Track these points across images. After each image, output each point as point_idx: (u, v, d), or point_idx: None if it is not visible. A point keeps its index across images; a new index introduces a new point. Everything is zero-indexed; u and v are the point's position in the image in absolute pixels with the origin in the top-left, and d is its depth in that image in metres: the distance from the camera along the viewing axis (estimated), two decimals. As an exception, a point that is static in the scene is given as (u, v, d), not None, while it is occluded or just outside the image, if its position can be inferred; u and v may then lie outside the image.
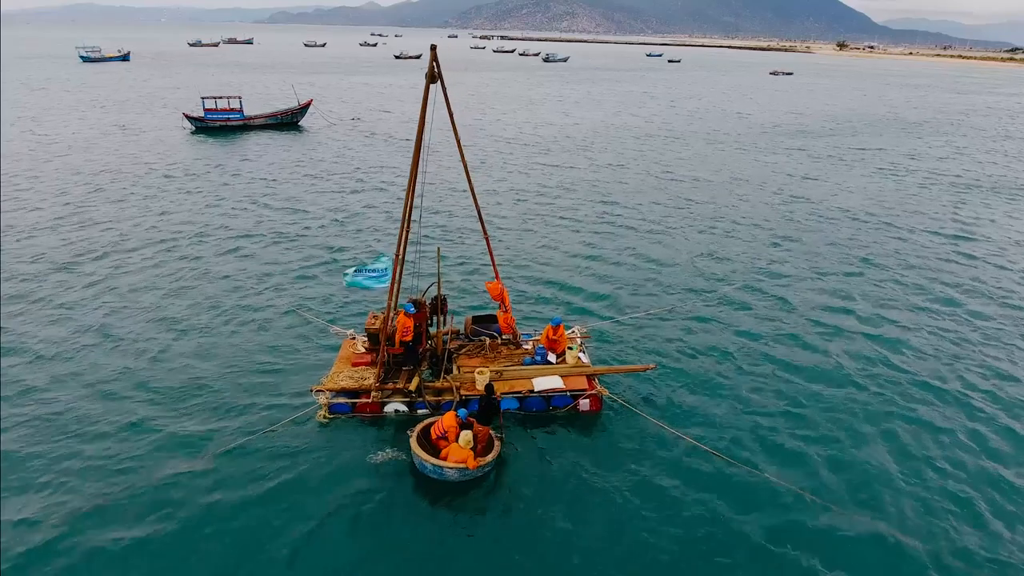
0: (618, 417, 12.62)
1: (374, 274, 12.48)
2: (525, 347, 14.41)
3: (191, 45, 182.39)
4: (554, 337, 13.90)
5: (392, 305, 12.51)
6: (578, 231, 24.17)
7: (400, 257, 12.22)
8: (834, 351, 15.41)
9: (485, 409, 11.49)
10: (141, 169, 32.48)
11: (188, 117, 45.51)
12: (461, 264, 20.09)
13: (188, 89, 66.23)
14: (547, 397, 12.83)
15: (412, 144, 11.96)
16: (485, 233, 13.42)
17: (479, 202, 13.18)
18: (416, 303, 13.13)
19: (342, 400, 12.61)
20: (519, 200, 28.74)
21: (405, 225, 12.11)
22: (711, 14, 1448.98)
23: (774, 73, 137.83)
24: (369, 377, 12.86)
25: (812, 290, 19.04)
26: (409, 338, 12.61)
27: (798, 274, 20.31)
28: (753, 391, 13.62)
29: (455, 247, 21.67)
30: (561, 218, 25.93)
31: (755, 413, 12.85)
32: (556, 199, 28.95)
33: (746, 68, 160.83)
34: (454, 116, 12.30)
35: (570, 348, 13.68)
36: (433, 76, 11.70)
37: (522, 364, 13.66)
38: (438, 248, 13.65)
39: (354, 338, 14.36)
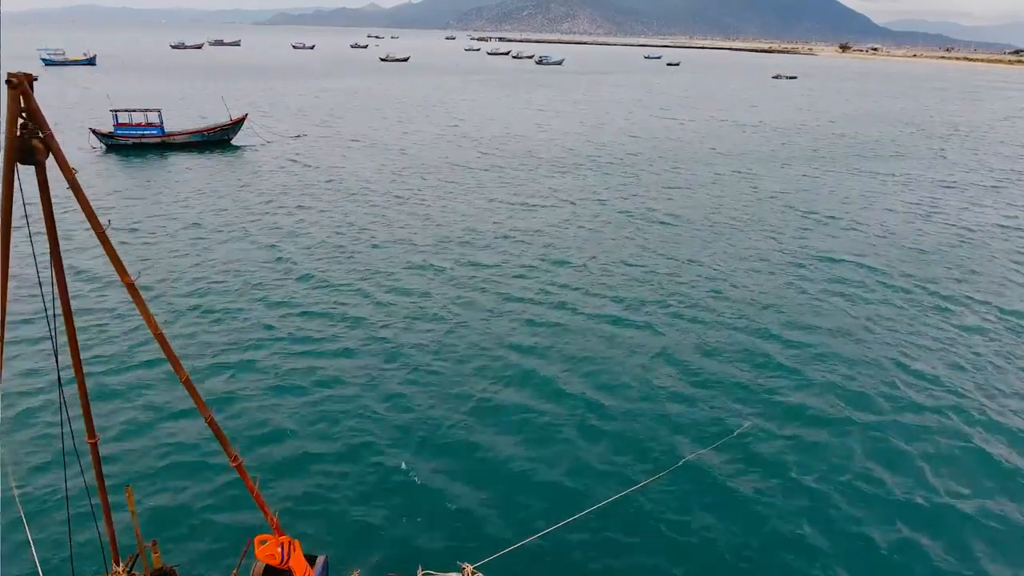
0: None
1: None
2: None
3: (173, 47, 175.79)
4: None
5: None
6: (489, 339, 15.38)
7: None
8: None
9: None
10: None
11: (96, 133, 38.84)
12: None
13: (132, 98, 59.42)
14: None
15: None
16: (232, 457, 6.63)
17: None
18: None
19: None
20: (415, 279, 19.09)
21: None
22: (711, 16, 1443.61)
23: (777, 77, 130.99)
24: None
25: (849, 447, 12.19)
26: None
27: (828, 409, 13.49)
28: None
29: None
30: (470, 308, 17.11)
31: None
32: (473, 268, 19.94)
33: (747, 71, 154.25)
34: (93, 212, 5.56)
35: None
36: (25, 147, 4.99)
37: None
38: (128, 489, 6.93)
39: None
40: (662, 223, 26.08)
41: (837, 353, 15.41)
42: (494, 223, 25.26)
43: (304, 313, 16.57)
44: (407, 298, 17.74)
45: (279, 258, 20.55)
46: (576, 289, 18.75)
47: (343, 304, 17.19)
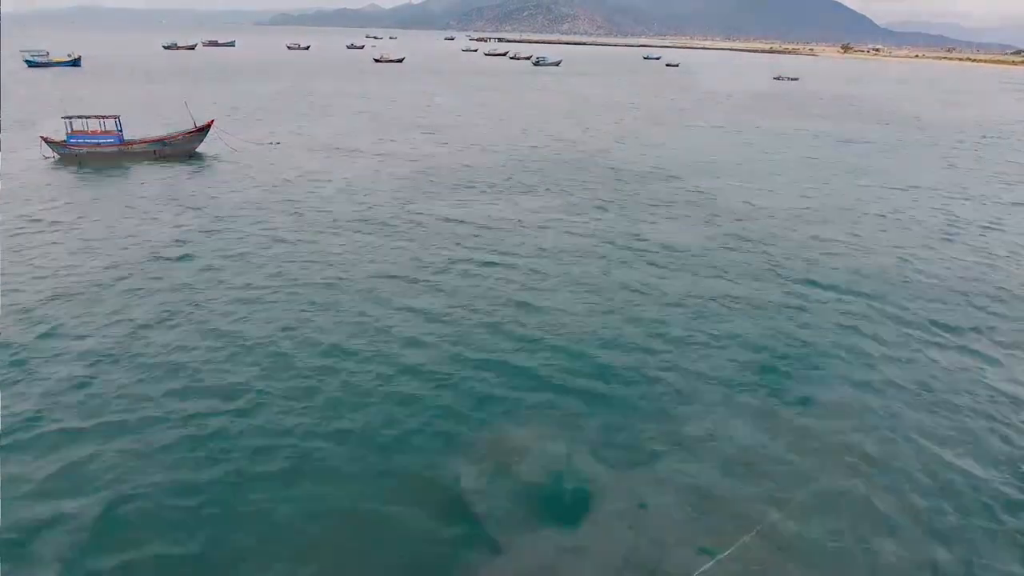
0: None
1: None
2: None
3: (166, 48, 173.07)
4: None
5: None
6: (418, 422, 12.31)
7: None
8: None
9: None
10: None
11: (48, 142, 36.16)
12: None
13: (114, 102, 56.69)
14: None
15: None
16: None
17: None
18: None
19: None
20: (345, 332, 17.12)
21: None
22: (712, 16, 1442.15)
23: (778, 78, 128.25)
24: None
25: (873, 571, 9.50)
26: None
27: (846, 516, 10.70)
28: None
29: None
30: (404, 373, 14.36)
31: None
32: (415, 315, 16.83)
33: (748, 72, 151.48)
34: None
35: None
36: None
37: None
38: None
39: None
40: (646, 252, 23.01)
41: (851, 437, 12.54)
42: (454, 248, 22.46)
43: (206, 373, 13.83)
44: (327, 361, 14.40)
45: (202, 300, 17.78)
46: (539, 342, 15.93)
47: (254, 366, 14.32)
